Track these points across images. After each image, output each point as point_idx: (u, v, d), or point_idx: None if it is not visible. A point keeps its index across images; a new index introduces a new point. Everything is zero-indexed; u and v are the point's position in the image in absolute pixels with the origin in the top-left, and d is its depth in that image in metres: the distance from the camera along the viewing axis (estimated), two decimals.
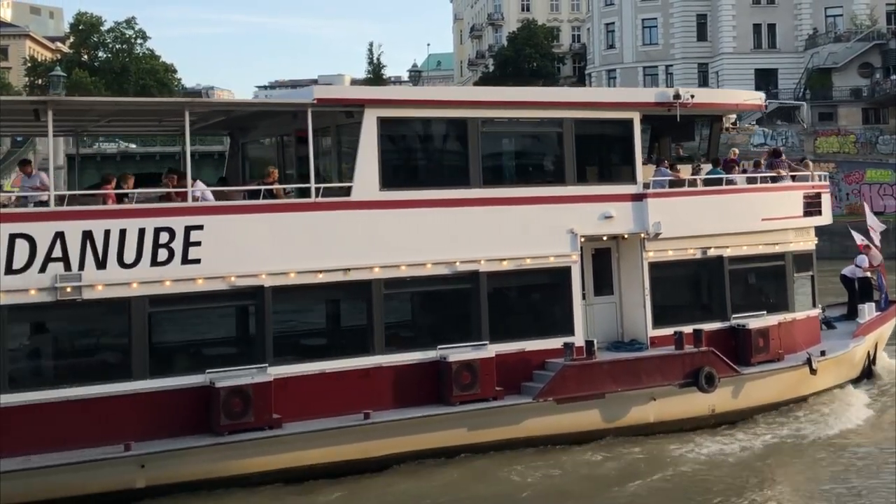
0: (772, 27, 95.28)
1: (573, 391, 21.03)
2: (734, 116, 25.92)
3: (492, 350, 20.84)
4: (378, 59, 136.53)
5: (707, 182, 23.91)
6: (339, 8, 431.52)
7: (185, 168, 19.70)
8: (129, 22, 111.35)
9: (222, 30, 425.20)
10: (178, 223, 18.88)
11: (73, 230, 18.16)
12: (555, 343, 21.62)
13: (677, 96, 22.90)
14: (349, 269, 20.13)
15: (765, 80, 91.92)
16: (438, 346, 20.68)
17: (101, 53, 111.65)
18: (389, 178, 20.79)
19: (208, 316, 20.13)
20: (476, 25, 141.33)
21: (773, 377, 23.39)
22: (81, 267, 18.13)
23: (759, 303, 24.28)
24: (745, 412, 23.18)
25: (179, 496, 18.30)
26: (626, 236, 22.78)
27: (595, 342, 21.63)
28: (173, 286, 18.80)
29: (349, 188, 20.48)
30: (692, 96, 23.10)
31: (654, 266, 22.77)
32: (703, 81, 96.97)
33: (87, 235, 18.23)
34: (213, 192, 20.29)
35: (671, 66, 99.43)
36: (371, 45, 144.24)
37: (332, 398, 19.73)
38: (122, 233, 18.45)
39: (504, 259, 21.43)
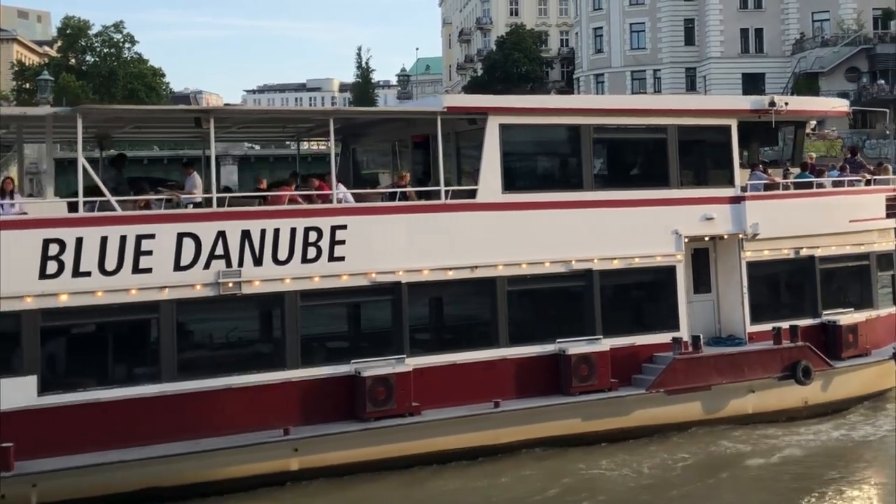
0: (759, 31, 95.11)
1: (682, 383, 22.29)
2: (814, 122, 27.17)
3: (606, 344, 22.06)
4: (367, 62, 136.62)
5: (797, 185, 25.22)
6: (328, 12, 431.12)
7: (331, 171, 20.89)
8: (117, 26, 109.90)
9: (210, 33, 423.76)
10: (325, 223, 20.09)
11: (233, 230, 19.36)
12: (661, 338, 22.84)
13: (772, 104, 24.19)
14: (476, 267, 21.30)
15: (752, 84, 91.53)
16: (557, 340, 21.86)
17: (88, 57, 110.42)
18: (510, 181, 21.97)
19: (351, 309, 21.24)
20: (465, 30, 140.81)
21: (862, 371, 24.74)
22: (241, 264, 19.35)
23: (846, 300, 25.55)
24: (834, 404, 24.51)
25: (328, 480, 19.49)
26: (725, 237, 24.00)
27: (701, 337, 22.87)
28: (321, 282, 20.01)
29: (474, 191, 21.64)
30: (786, 104, 24.42)
31: (751, 265, 24.02)
32: (691, 86, 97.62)
33: (246, 235, 19.43)
34: (353, 195, 21.42)
35: (659, 70, 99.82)
36: (360, 49, 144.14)
37: (462, 388, 20.90)
38: (276, 232, 19.64)
39: (615, 258, 22.64)
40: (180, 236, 18.97)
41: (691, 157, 24.25)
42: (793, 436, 22.77)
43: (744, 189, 24.11)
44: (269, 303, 19.85)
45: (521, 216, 21.91)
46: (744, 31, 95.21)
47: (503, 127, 21.81)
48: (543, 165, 24.08)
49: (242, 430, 19.07)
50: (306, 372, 19.80)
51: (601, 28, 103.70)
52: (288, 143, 30.61)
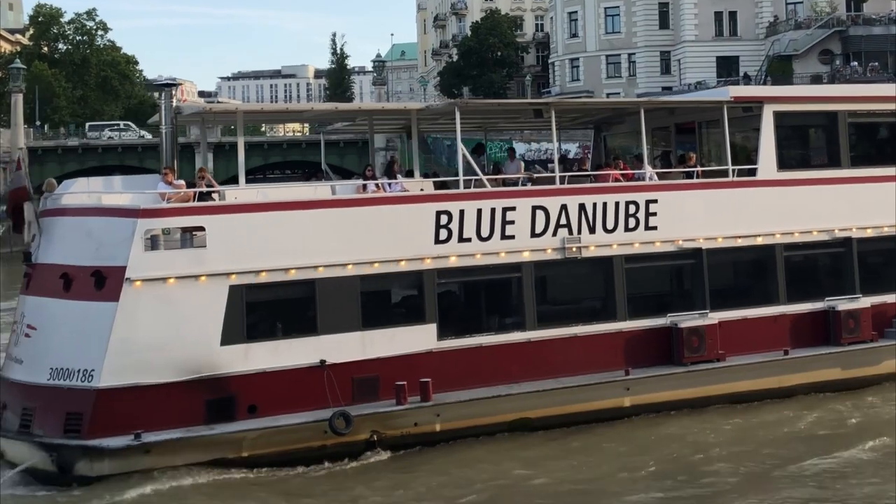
0: (733, 15, 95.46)
1: None
2: None
3: (866, 301, 25.46)
4: (341, 49, 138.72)
5: None
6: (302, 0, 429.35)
7: (643, 154, 24.57)
8: (90, 13, 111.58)
9: (184, 21, 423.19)
10: (641, 198, 23.68)
11: (573, 203, 23.05)
12: None
13: None
14: (758, 236, 24.79)
15: (726, 67, 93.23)
16: (826, 299, 25.29)
17: (61, 45, 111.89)
18: (784, 160, 25.43)
19: (661, 271, 24.75)
20: (440, 15, 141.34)
21: None
22: (579, 232, 22.98)
23: None
24: None
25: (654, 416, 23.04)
26: None
27: None
28: (641, 248, 23.62)
29: (754, 170, 25.13)
30: None
31: None
32: (666, 69, 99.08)
33: (581, 207, 23.09)
34: (658, 174, 24.97)
35: (633, 54, 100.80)
36: (334, 35, 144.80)
37: (753, 338, 24.36)
38: (604, 205, 23.28)
39: (868, 227, 25.99)
40: (534, 209, 22.67)
41: None
42: None
43: None
44: (602, 265, 23.43)
45: (794, 191, 25.32)
46: (718, 15, 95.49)
47: (776, 114, 25.27)
48: (809, 146, 27.52)
49: (584, 372, 22.70)
50: (632, 323, 23.42)
51: (576, 12, 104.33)
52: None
